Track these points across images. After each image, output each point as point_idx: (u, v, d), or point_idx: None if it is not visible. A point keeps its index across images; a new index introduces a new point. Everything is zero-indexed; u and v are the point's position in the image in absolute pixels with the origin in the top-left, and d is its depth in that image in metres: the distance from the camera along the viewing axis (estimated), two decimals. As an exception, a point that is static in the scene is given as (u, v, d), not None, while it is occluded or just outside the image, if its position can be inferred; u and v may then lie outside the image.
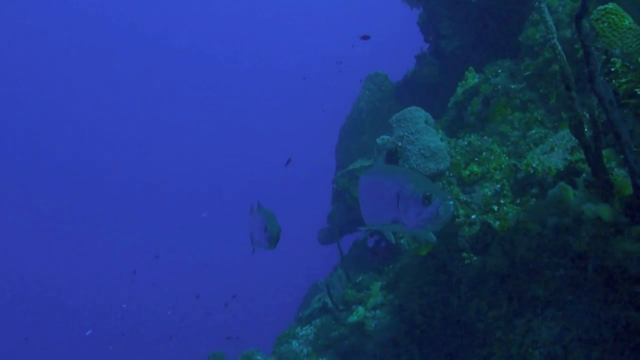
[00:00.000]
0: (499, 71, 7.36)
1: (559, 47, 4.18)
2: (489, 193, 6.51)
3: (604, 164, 4.18)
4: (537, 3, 5.04)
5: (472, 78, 7.45)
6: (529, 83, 6.86)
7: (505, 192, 6.43)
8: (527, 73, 6.83)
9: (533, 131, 6.58)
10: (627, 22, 4.59)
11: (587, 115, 4.27)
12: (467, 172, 6.59)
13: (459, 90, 7.51)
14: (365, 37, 11.89)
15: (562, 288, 6.24)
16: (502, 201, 6.39)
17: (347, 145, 11.66)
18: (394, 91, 11.52)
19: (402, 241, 6.80)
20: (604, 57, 4.57)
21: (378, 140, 6.98)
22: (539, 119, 6.63)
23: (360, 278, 9.24)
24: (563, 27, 6.55)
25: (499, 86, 6.98)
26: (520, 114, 6.78)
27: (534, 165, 5.59)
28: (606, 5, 4.76)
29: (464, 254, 6.35)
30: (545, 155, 5.61)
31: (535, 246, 6.22)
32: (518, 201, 6.33)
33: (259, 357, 9.89)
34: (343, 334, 9.20)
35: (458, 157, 6.65)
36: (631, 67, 4.42)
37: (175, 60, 71.09)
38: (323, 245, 12.49)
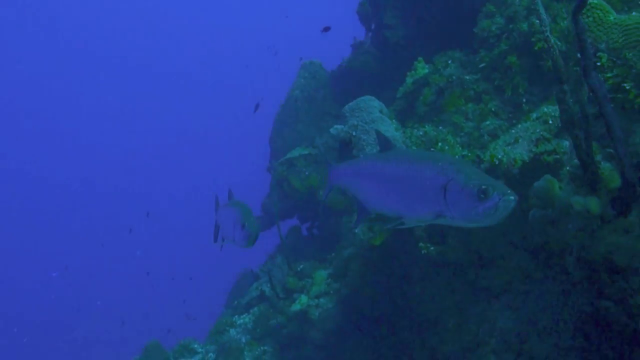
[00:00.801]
0: (449, 62, 7.16)
1: (552, 41, 3.96)
2: (444, 183, 6.26)
3: (594, 157, 3.98)
4: None
5: (422, 68, 7.21)
6: (484, 74, 6.68)
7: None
8: (482, 65, 6.65)
9: (487, 122, 6.40)
10: (611, 18, 4.44)
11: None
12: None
13: (409, 80, 7.25)
14: (327, 29, 11.49)
15: (516, 278, 6.11)
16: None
17: (282, 134, 11.29)
18: (328, 80, 11.21)
19: (356, 230, 6.49)
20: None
21: (332, 130, 6.65)
22: (494, 110, 6.45)
23: (301, 266, 8.91)
24: (520, 20, 6.39)
25: (454, 77, 6.76)
26: (474, 105, 6.58)
27: (499, 156, 5.38)
28: (591, 0, 4.56)
29: (421, 244, 6.11)
30: (509, 147, 5.40)
31: (492, 237, 6.05)
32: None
33: (196, 346, 9.44)
34: (281, 322, 8.88)
35: (414, 147, 6.40)
36: (618, 62, 4.27)
37: (104, 52, 68.15)
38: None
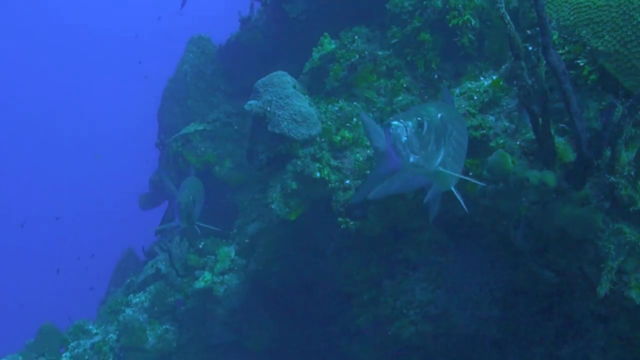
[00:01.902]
0: (356, 38, 6.75)
1: (508, 17, 3.67)
2: (361, 158, 5.91)
3: (551, 132, 3.73)
4: None
5: (328, 44, 6.76)
6: (396, 50, 6.34)
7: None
8: (394, 41, 6.31)
9: (400, 98, 6.10)
10: None
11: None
12: (339, 138, 5.96)
13: (316, 55, 6.78)
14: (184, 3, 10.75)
15: (432, 251, 5.87)
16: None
17: (172, 109, 10.51)
18: (217, 55, 10.51)
19: (272, 206, 6.00)
20: (538, 28, 4.12)
21: (246, 106, 6.11)
22: (405, 86, 6.14)
23: (202, 243, 8.29)
24: (435, -4, 6.05)
25: (366, 52, 6.36)
26: (387, 81, 6.24)
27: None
28: None
29: (340, 219, 5.72)
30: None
31: (408, 211, 5.76)
32: (392, 166, 5.76)
33: (90, 327, 8.61)
34: (179, 299, 8.24)
35: (329, 123, 5.99)
36: (572, 39, 4.03)
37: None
38: (144, 210, 11.23)
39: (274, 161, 6.10)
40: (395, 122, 3.06)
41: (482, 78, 5.39)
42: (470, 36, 6.00)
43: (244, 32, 9.97)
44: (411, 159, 3.10)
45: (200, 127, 8.96)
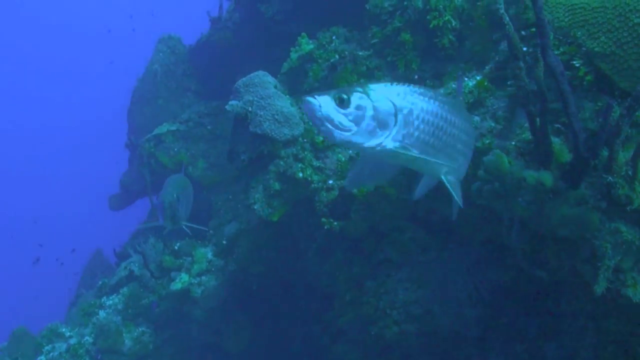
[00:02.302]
0: (334, 38, 6.64)
1: (507, 18, 3.61)
2: (343, 159, 5.80)
3: (549, 133, 3.68)
4: None
5: (306, 44, 6.63)
6: (376, 50, 6.23)
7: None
8: (375, 41, 6.21)
9: (381, 98, 5.94)
10: None
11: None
12: (321, 138, 5.85)
13: (294, 56, 6.64)
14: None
15: (413, 251, 5.80)
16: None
17: (141, 109, 10.22)
18: (187, 55, 10.27)
19: (255, 207, 5.85)
20: (533, 29, 4.10)
21: (227, 107, 5.93)
22: (386, 86, 6.00)
23: (178, 244, 8.06)
24: (412, -4, 5.96)
25: (346, 52, 6.24)
26: (366, 82, 6.10)
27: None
28: None
29: (324, 220, 5.61)
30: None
31: (391, 211, 5.68)
32: (375, 166, 5.67)
33: (64, 330, 8.31)
34: (154, 301, 8.01)
35: (311, 123, 5.81)
36: (567, 40, 3.99)
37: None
38: (113, 211, 10.91)
39: (255, 161, 5.95)
40: (308, 98, 3.02)
41: (466, 79, 5.31)
42: (450, 37, 5.91)
43: (214, 32, 9.77)
44: (336, 135, 3.07)
45: (173, 128, 8.74)
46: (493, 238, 5.05)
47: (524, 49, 4.21)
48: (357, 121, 3.09)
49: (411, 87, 3.40)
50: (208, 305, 7.17)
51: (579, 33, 3.92)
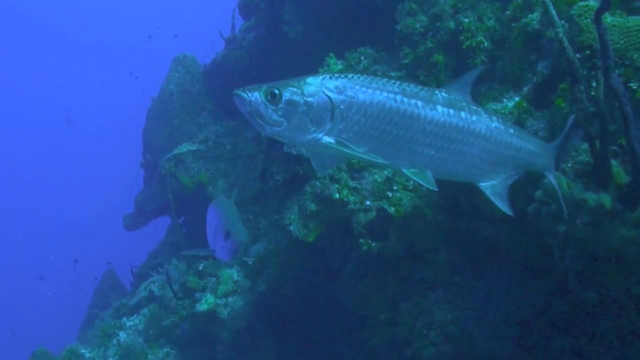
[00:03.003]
0: (362, 58, 6.68)
1: (566, 41, 3.63)
2: (379, 179, 5.80)
3: (608, 155, 3.69)
4: None
5: (334, 64, 6.66)
6: (408, 71, 6.24)
7: (397, 178, 5.76)
8: (406, 61, 6.23)
9: (413, 118, 5.97)
10: (609, 19, 4.17)
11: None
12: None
13: (323, 76, 6.63)
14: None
15: (448, 272, 5.79)
16: (394, 187, 5.71)
17: (157, 129, 10.21)
18: (202, 74, 10.29)
19: (291, 227, 5.83)
20: (588, 52, 4.11)
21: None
22: (418, 106, 6.03)
23: (202, 265, 8.02)
24: (447, 19, 6.03)
25: (379, 73, 6.27)
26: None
27: (457, 153, 4.95)
28: (587, 2, 4.28)
29: (362, 241, 5.59)
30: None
31: (428, 231, 5.67)
32: (410, 187, 5.70)
33: (83, 351, 8.23)
34: (174, 322, 7.97)
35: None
36: (623, 62, 4.00)
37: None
38: (128, 231, 10.85)
39: (290, 182, 5.93)
40: (238, 92, 3.08)
41: (504, 100, 5.33)
42: (482, 57, 5.95)
43: (229, 51, 9.83)
44: (267, 130, 3.12)
45: (193, 147, 8.74)
46: (532, 258, 5.06)
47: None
48: (287, 116, 3.11)
49: (359, 78, 3.34)
50: (235, 326, 7.13)
51: (635, 55, 3.95)
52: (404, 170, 3.46)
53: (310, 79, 3.26)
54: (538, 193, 4.02)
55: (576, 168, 4.02)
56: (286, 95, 3.11)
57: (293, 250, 6.52)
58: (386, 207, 5.63)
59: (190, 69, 10.33)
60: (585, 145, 3.96)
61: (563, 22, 4.99)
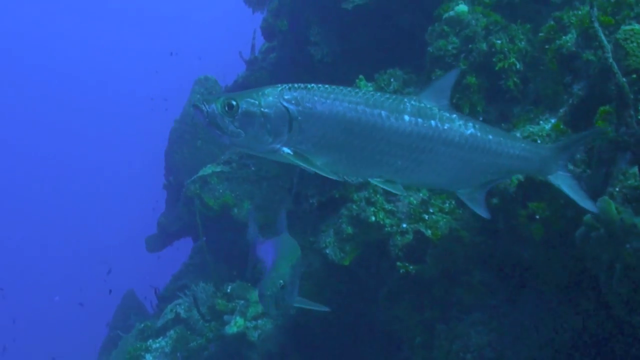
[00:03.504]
0: (392, 80, 6.73)
1: (616, 67, 3.66)
2: (415, 202, 5.82)
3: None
4: (590, 23, 4.38)
5: (364, 87, 6.68)
6: (441, 93, 6.25)
7: (432, 201, 5.79)
8: (438, 83, 6.22)
9: (446, 140, 6.00)
10: None
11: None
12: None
13: (353, 98, 6.68)
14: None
15: (484, 294, 5.79)
16: (430, 210, 5.73)
17: (180, 150, 10.27)
18: (223, 96, 10.33)
19: (327, 251, 5.85)
20: (634, 76, 4.12)
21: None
22: (452, 128, 6.06)
23: (230, 287, 8.03)
24: (479, 40, 6.05)
25: (412, 95, 6.29)
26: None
27: (495, 176, 4.97)
28: (632, 26, 4.30)
29: (399, 264, 5.61)
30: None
31: (464, 254, 5.69)
32: (447, 210, 5.72)
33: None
34: (202, 344, 7.97)
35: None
36: None
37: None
38: (151, 252, 10.88)
39: (325, 205, 5.96)
40: (195, 103, 3.15)
41: (541, 122, 5.36)
42: (515, 79, 6.01)
43: (250, 72, 9.92)
44: (225, 140, 3.22)
45: (217, 169, 8.78)
46: (571, 281, 5.06)
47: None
48: (244, 127, 3.16)
49: (319, 89, 3.35)
50: (266, 349, 7.13)
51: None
52: (370, 180, 3.50)
53: (268, 90, 3.32)
54: (587, 217, 4.03)
55: (625, 192, 4.03)
56: (243, 106, 3.16)
57: (327, 273, 6.54)
58: (423, 229, 5.65)
59: (212, 91, 10.41)
60: (634, 170, 3.98)
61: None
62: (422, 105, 3.50)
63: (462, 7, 6.25)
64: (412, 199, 5.88)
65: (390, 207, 5.85)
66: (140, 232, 11.06)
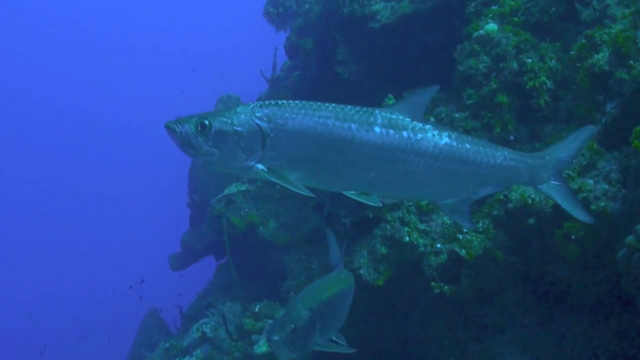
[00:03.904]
0: (421, 99, 6.74)
1: None
2: (448, 222, 5.88)
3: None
4: (634, 44, 4.46)
5: (393, 105, 6.74)
6: (472, 112, 6.33)
7: (466, 220, 5.81)
8: (470, 102, 6.31)
9: (478, 159, 6.05)
10: None
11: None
12: (425, 201, 5.88)
13: (382, 117, 6.74)
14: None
15: (517, 314, 5.80)
16: (464, 229, 5.78)
17: (204, 168, 10.32)
18: (246, 114, 10.39)
19: (361, 271, 5.90)
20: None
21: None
22: (483, 147, 6.11)
23: (258, 307, 8.07)
24: (510, 59, 6.12)
25: (443, 115, 6.36)
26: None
27: (532, 196, 5.03)
28: None
29: (433, 284, 5.63)
30: (536, 186, 5.05)
31: (501, 273, 5.72)
32: (480, 229, 5.75)
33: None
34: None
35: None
36: None
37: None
38: (174, 271, 10.95)
39: (358, 225, 6.02)
40: (168, 124, 3.22)
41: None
42: (546, 97, 6.05)
43: (273, 90, 9.99)
44: (200, 160, 3.31)
45: (243, 188, 8.85)
46: (606, 301, 5.08)
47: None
48: (218, 146, 3.23)
49: (290, 105, 3.41)
50: (297, 370, 7.14)
51: None
52: (344, 192, 3.51)
53: (240, 109, 3.37)
54: (629, 238, 4.07)
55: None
56: (216, 125, 3.23)
57: (360, 293, 6.57)
58: (457, 249, 5.69)
59: (235, 108, 10.45)
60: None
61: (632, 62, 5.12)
62: (394, 116, 3.52)
63: (492, 26, 6.32)
64: (445, 218, 5.93)
65: (423, 227, 5.90)
66: (164, 250, 11.14)
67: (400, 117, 3.52)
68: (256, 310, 8.11)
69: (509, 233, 5.56)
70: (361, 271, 5.96)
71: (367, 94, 7.44)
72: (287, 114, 3.37)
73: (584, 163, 5.08)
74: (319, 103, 3.48)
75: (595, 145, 5.12)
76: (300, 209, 8.62)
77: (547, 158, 3.81)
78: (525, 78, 6.02)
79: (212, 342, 8.38)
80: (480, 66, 6.28)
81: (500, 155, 3.70)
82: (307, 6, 9.25)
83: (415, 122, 3.53)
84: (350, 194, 3.49)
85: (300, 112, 3.39)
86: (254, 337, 7.70)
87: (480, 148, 3.66)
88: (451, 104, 6.61)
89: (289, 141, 3.35)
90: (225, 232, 8.43)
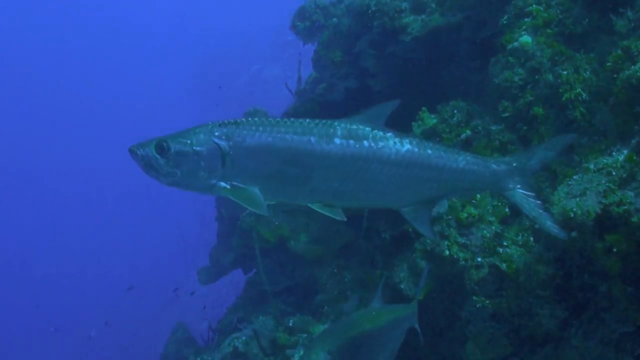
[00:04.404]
0: (455, 112, 6.87)
1: None
2: (488, 235, 5.96)
3: None
4: None
5: (428, 118, 6.87)
6: (508, 124, 6.43)
7: (506, 233, 5.91)
8: (506, 114, 6.40)
9: (515, 172, 6.13)
10: None
11: None
12: (465, 215, 6.02)
13: (417, 130, 6.89)
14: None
15: (552, 327, 5.85)
16: (504, 243, 5.86)
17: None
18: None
19: (401, 286, 6.01)
20: None
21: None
22: (519, 160, 6.20)
23: (292, 321, 8.17)
24: (545, 71, 6.22)
25: (479, 127, 6.46)
26: (499, 155, 6.30)
27: (574, 209, 5.09)
28: None
29: (475, 298, 5.72)
30: (578, 199, 5.12)
31: (542, 287, 5.78)
32: (520, 242, 5.83)
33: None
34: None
35: (454, 200, 6.01)
36: None
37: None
38: (204, 285, 11.09)
39: (398, 239, 6.13)
40: (130, 147, 3.39)
41: (614, 153, 5.46)
42: (581, 109, 6.12)
43: (300, 103, 10.09)
44: (162, 180, 3.46)
45: (273, 201, 8.92)
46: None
47: None
48: (179, 166, 3.40)
49: (248, 123, 3.55)
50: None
51: None
52: (309, 205, 3.67)
53: (199, 129, 3.53)
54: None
55: None
56: (175, 147, 3.40)
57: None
58: (498, 263, 5.78)
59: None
60: None
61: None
62: (354, 127, 3.64)
63: (526, 38, 6.42)
64: (485, 232, 6.02)
65: (463, 241, 6.00)
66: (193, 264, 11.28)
67: (361, 127, 3.67)
68: (290, 324, 8.20)
69: (549, 246, 5.64)
70: (402, 285, 6.06)
71: (399, 107, 7.52)
72: (245, 132, 3.52)
73: (624, 175, 5.14)
74: (277, 119, 3.65)
75: (634, 157, 5.17)
76: (331, 222, 8.69)
77: (514, 165, 3.88)
78: (560, 90, 6.10)
79: (245, 356, 8.47)
80: (516, 78, 6.37)
81: (462, 160, 3.80)
82: (335, 19, 9.41)
83: (376, 131, 3.68)
84: (316, 206, 3.64)
85: (258, 128, 3.54)
86: (288, 351, 7.79)
87: (442, 153, 3.77)
88: (486, 116, 6.69)
89: (249, 158, 3.51)
90: (256, 245, 8.54)
